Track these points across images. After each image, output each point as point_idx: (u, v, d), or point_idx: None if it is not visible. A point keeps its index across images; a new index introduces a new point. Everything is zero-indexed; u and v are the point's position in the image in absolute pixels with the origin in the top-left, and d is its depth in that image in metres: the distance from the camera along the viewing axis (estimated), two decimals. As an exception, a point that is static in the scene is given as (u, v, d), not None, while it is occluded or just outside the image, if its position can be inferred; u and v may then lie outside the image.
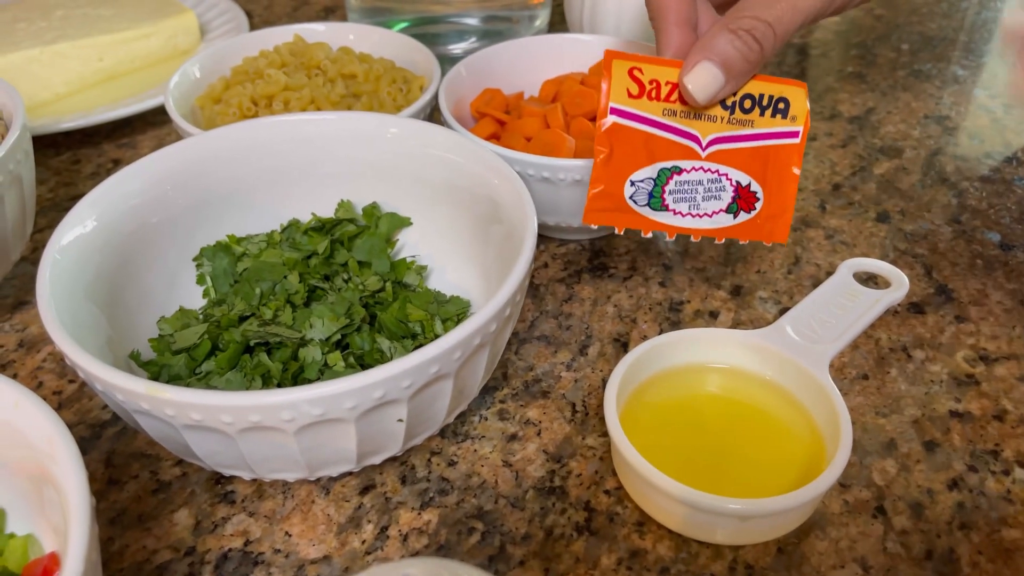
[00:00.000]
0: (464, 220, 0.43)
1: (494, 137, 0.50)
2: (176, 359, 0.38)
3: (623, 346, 0.45)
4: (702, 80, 0.37)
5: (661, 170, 0.39)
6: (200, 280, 0.44)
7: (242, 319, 0.40)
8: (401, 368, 0.30)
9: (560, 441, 0.40)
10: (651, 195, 0.39)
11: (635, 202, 0.39)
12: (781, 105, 0.40)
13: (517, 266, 0.34)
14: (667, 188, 0.39)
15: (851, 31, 0.80)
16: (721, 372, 0.40)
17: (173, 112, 0.49)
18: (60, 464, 0.26)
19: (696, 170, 0.39)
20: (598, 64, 0.56)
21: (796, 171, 0.40)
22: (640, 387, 0.39)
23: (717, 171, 0.40)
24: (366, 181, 0.46)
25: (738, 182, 0.40)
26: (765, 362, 0.39)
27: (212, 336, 0.39)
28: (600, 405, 0.41)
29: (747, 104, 0.39)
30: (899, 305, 0.47)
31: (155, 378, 0.38)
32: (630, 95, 0.38)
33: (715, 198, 0.40)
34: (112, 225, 0.39)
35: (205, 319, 0.41)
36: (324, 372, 0.37)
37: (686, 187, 0.40)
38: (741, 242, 0.48)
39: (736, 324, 0.46)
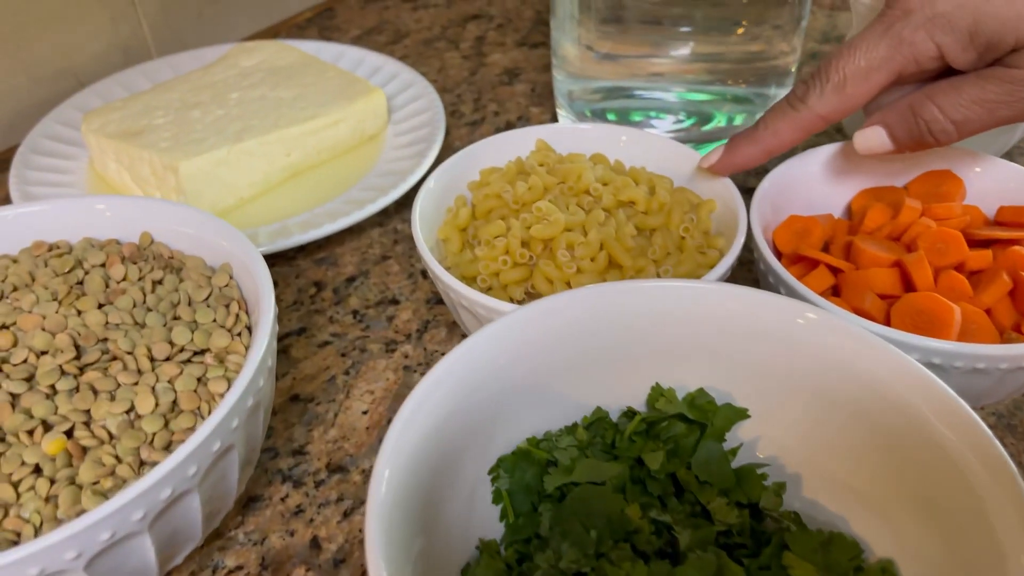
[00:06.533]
0: (852, 441, 0.32)
1: (832, 294, 0.40)
2: (513, 649, 0.29)
3: None
4: (871, 141, 0.40)
5: None
6: (496, 498, 0.34)
7: (579, 577, 0.31)
8: None
9: None
10: None
11: None
12: None
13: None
14: None
15: None
16: None
17: (431, 263, 0.39)
18: None
19: None
20: (922, 177, 0.45)
21: None
22: None
23: None
24: (692, 363, 0.36)
25: None
26: None
27: (550, 609, 0.30)
28: None
29: None
30: None
31: (486, 674, 0.29)
32: None
33: None
34: (425, 441, 0.30)
35: (523, 573, 0.32)
36: None
37: None
38: None
39: None
